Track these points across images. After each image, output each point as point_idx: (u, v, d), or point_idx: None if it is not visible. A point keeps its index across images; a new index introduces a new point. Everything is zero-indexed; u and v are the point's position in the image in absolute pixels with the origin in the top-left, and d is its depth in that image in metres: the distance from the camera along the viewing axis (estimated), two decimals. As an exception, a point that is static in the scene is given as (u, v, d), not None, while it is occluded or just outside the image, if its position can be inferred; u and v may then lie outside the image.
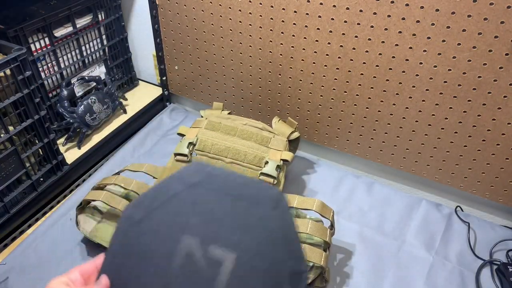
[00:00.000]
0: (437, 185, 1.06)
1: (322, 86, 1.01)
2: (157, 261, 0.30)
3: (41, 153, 0.98)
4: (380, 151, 1.06)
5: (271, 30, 0.99)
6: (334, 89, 1.00)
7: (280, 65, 1.04)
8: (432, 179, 1.04)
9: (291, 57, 1.01)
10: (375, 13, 0.85)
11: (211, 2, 1.03)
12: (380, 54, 0.89)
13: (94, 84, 1.16)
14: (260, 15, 0.98)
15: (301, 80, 1.03)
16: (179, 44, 1.17)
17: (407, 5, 0.81)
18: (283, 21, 0.96)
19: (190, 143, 0.94)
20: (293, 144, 1.04)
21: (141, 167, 0.91)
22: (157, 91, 1.34)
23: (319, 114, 1.07)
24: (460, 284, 0.86)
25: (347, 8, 0.87)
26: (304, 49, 0.98)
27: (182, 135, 0.99)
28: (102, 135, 1.16)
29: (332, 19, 0.90)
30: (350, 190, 1.06)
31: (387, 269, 0.88)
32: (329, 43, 0.94)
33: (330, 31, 0.92)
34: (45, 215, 0.99)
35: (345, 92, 0.99)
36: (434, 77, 0.87)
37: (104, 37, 1.18)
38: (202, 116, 1.06)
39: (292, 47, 0.99)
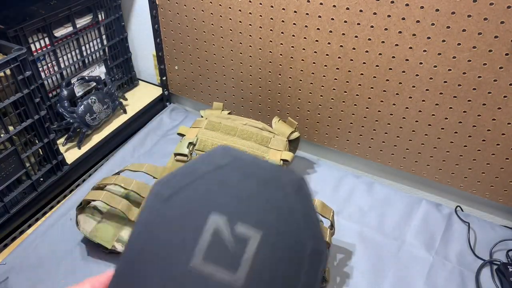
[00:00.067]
0: (437, 185, 1.06)
1: (322, 86, 1.01)
2: (185, 236, 0.31)
3: (41, 153, 0.98)
4: (380, 151, 1.06)
5: (271, 30, 0.99)
6: (334, 89, 1.00)
7: (280, 65, 1.04)
8: (432, 179, 1.04)
9: (291, 57, 1.01)
10: (375, 13, 0.85)
11: (211, 2, 1.03)
12: (380, 54, 0.89)
13: (94, 84, 1.16)
14: (260, 15, 0.98)
15: (301, 80, 1.03)
16: (179, 44, 1.17)
17: (407, 5, 0.81)
18: (283, 21, 0.96)
19: (190, 143, 0.94)
20: (293, 144, 1.04)
21: (141, 167, 0.91)
22: (157, 91, 1.34)
23: (319, 114, 1.07)
24: (460, 284, 0.86)
25: (347, 8, 0.87)
26: (304, 49, 0.98)
27: (182, 135, 0.99)
28: (102, 135, 1.16)
29: (332, 19, 0.90)
30: (350, 190, 1.06)
31: (387, 269, 0.88)
32: (329, 43, 0.94)
33: (330, 31, 0.92)
34: (45, 215, 0.99)
35: (345, 92, 0.99)
36: (434, 77, 0.87)
37: (104, 37, 1.18)
38: (202, 116, 1.06)
39: (292, 47, 0.99)
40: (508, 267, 0.85)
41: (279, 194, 0.33)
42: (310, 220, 0.33)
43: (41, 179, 0.99)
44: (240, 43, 1.06)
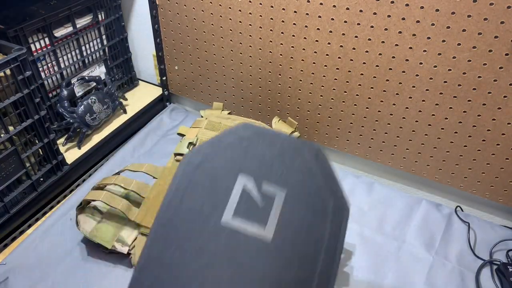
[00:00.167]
0: (437, 185, 1.06)
1: (322, 86, 1.01)
2: (216, 196, 0.34)
3: (41, 153, 0.98)
4: (380, 151, 1.06)
5: (271, 30, 0.99)
6: (334, 89, 1.00)
7: (280, 65, 1.04)
8: (432, 179, 1.04)
9: (291, 57, 1.01)
10: (375, 13, 0.85)
11: (211, 2, 1.03)
12: (380, 54, 0.89)
13: (94, 84, 1.16)
14: (260, 15, 0.98)
15: (301, 80, 1.03)
16: (179, 44, 1.17)
17: (407, 5, 0.81)
18: (283, 21, 0.96)
19: (190, 143, 0.94)
20: (293, 144, 1.04)
21: (141, 167, 0.91)
22: (157, 91, 1.34)
23: (319, 114, 1.07)
24: (460, 284, 0.86)
25: (347, 8, 0.87)
26: (304, 49, 0.98)
27: (182, 135, 0.99)
28: (102, 135, 1.16)
29: (332, 19, 0.90)
30: (350, 190, 1.06)
31: (387, 269, 0.88)
32: (329, 43, 0.94)
33: (330, 31, 0.92)
34: (45, 215, 0.99)
35: (345, 92, 0.99)
36: (434, 77, 0.87)
37: (104, 37, 1.18)
38: (202, 116, 1.06)
39: (292, 47, 0.99)
40: (508, 267, 0.85)
41: (300, 159, 0.36)
42: (331, 180, 0.36)
43: (41, 179, 0.99)
44: (240, 43, 1.06)
